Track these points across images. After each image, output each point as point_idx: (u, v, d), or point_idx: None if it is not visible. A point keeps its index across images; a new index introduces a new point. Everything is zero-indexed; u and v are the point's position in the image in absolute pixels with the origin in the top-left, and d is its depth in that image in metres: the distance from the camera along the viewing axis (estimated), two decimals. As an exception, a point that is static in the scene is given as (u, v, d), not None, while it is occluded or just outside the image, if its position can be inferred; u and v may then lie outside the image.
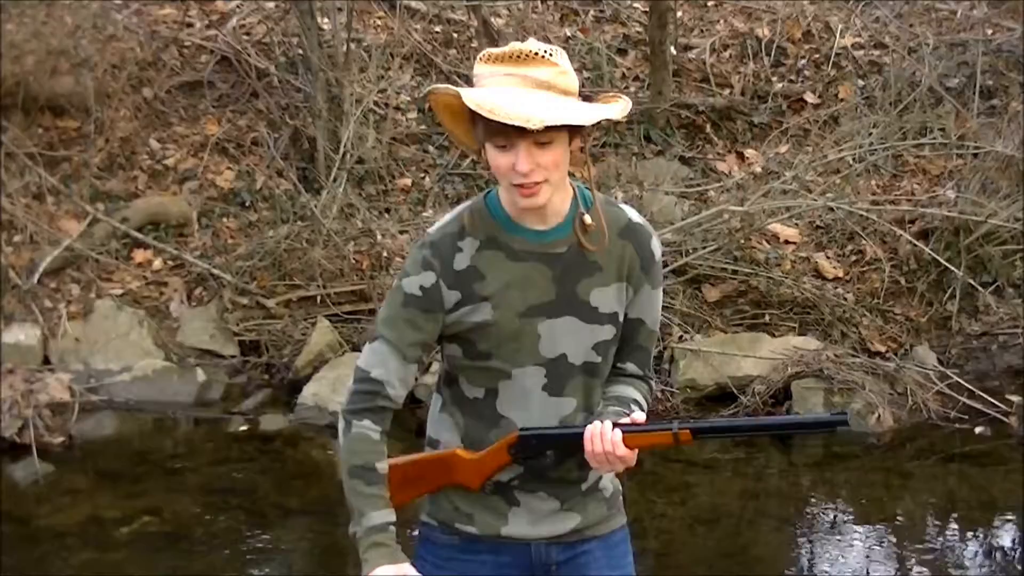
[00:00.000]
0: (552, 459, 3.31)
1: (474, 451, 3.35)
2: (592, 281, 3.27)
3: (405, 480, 3.36)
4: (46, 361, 9.45)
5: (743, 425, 3.47)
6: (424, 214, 10.61)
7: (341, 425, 3.31)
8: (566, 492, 3.39)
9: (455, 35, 12.79)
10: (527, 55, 3.08)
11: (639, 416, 3.23)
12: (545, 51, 3.09)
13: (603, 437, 3.17)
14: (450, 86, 3.15)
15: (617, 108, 3.18)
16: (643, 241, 3.34)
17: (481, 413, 3.35)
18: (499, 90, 3.06)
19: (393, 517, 3.27)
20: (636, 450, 3.19)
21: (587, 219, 3.26)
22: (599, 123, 3.25)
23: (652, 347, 3.50)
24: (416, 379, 9.13)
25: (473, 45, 12.45)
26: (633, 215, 3.37)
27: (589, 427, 3.20)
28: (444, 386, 3.45)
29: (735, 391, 8.87)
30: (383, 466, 3.29)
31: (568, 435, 3.27)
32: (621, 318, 3.34)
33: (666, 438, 3.21)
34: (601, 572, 3.46)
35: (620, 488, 3.55)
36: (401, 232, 10.27)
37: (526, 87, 3.06)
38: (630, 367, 3.44)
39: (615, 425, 3.19)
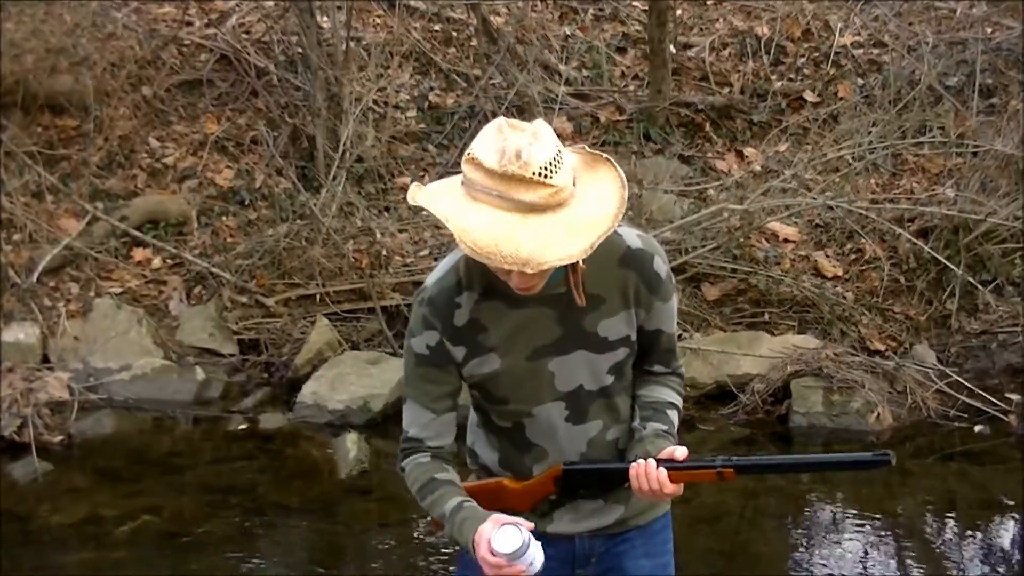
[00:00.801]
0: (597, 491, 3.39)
1: (518, 480, 3.42)
2: (597, 314, 3.26)
3: None
4: (45, 360, 9.45)
5: (786, 463, 3.52)
6: (423, 213, 10.59)
7: (402, 474, 3.41)
8: (608, 490, 3.45)
9: (454, 33, 12.79)
10: (519, 178, 2.95)
11: (680, 452, 3.25)
12: (540, 172, 2.96)
13: (649, 477, 3.21)
14: (441, 217, 3.05)
15: (612, 215, 3.04)
16: (645, 266, 3.29)
17: (512, 439, 3.40)
18: (488, 220, 2.97)
19: (464, 496, 3.32)
20: (682, 484, 3.24)
21: (580, 263, 3.16)
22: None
23: (675, 345, 3.51)
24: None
25: (472, 44, 12.46)
26: (632, 241, 3.29)
27: (633, 465, 3.24)
28: (476, 410, 3.50)
29: (734, 389, 8.87)
30: (442, 474, 3.35)
31: (613, 471, 3.34)
32: (634, 337, 3.34)
33: (710, 475, 3.26)
34: (638, 560, 3.51)
35: None
36: (400, 231, 10.27)
37: (518, 213, 2.96)
38: (658, 368, 3.47)
39: (659, 463, 3.22)
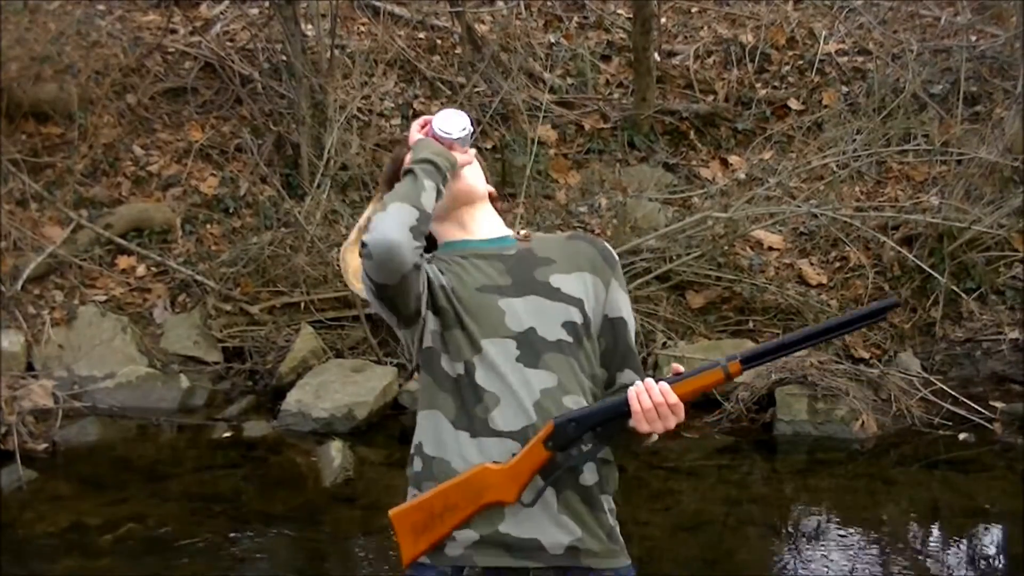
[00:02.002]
0: (590, 448, 3.14)
1: (500, 463, 3.14)
2: (549, 269, 3.29)
3: (431, 517, 3.18)
4: (30, 367, 9.44)
5: (794, 339, 3.26)
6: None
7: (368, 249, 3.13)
8: (562, 484, 3.18)
9: (439, 41, 12.80)
10: None
11: (677, 366, 3.15)
12: None
13: (651, 391, 3.07)
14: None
15: None
16: (595, 241, 3.42)
17: (463, 390, 3.21)
18: None
19: None
20: (684, 405, 3.10)
21: (524, 232, 3.41)
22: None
23: (637, 354, 3.44)
24: (400, 387, 9.14)
25: (457, 51, 12.46)
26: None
27: (631, 388, 3.10)
28: (426, 373, 3.29)
29: (719, 397, 8.85)
30: None
31: (605, 408, 3.14)
32: (588, 308, 3.28)
33: (717, 375, 3.11)
34: None
35: (617, 526, 3.32)
36: (385, 238, 10.25)
37: None
38: (628, 375, 3.35)
39: (658, 380, 3.10)
